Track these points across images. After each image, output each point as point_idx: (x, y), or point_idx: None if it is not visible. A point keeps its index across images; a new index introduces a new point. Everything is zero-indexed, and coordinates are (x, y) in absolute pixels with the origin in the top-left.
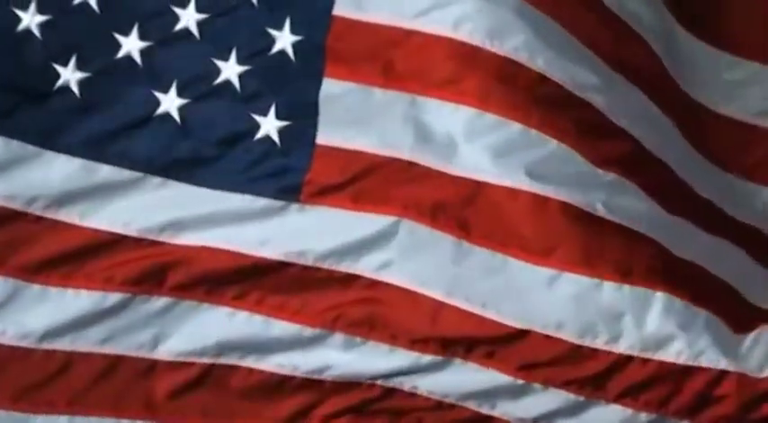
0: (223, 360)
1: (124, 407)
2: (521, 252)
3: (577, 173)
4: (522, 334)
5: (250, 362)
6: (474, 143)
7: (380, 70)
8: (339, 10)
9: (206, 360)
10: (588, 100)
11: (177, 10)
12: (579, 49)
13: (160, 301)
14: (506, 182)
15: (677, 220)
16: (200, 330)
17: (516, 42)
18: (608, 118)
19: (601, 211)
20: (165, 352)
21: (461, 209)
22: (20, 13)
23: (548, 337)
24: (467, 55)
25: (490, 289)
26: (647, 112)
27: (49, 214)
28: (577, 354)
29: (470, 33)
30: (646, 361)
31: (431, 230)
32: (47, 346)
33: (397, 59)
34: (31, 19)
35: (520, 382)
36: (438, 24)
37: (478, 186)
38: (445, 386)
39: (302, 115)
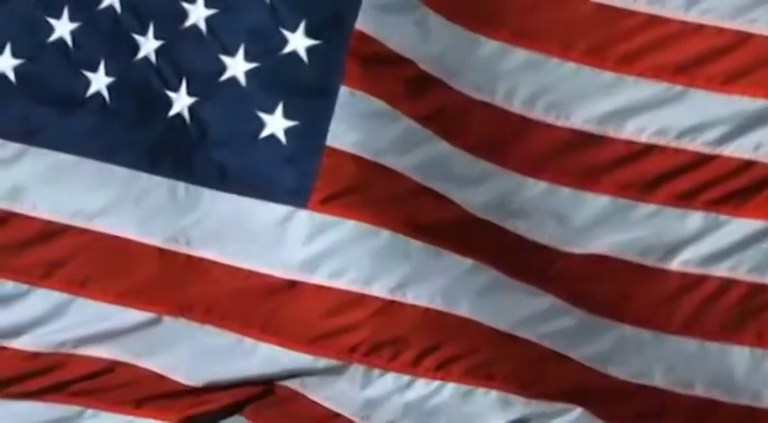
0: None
1: (146, 407)
2: None
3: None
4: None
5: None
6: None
7: (395, 89)
8: (361, 25)
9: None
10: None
11: (186, 5)
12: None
13: (183, 324)
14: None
15: None
16: (219, 362)
17: None
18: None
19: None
20: (185, 379)
21: None
22: (53, 22)
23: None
24: None
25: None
26: None
27: (94, 226)
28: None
29: None
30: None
31: (437, 249)
32: (81, 351)
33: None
34: (64, 28)
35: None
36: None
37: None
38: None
39: (314, 118)
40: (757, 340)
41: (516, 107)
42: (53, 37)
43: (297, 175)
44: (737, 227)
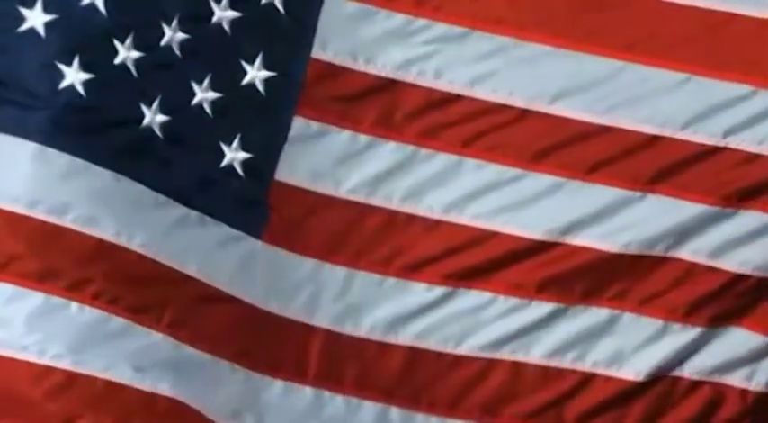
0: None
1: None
2: None
3: None
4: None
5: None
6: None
7: (358, 115)
8: (317, 53)
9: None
10: None
11: (164, 26)
12: None
13: (158, 337)
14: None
15: None
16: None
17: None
18: None
19: None
20: (164, 389)
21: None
22: (25, 11)
23: (514, 363)
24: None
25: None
26: None
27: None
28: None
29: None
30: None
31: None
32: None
33: (374, 107)
34: (36, 18)
35: None
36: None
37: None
38: None
39: (266, 150)
40: None
41: (519, 101)
42: (24, 27)
43: (253, 208)
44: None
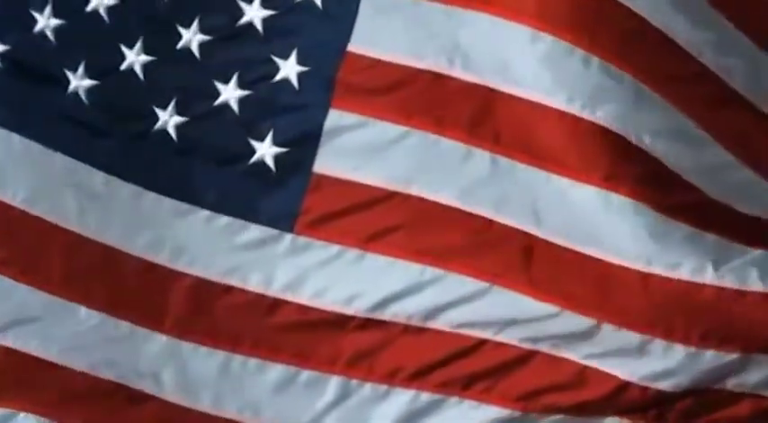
0: (215, 412)
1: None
2: None
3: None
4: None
5: (248, 417)
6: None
7: (393, 106)
8: (354, 46)
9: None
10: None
11: (181, 29)
12: None
13: (163, 338)
14: None
15: None
16: (194, 378)
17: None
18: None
19: None
20: (168, 390)
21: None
22: (36, 15)
23: (554, 358)
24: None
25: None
26: None
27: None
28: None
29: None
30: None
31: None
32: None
33: (412, 97)
34: (46, 22)
35: (518, 413)
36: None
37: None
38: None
39: (302, 143)
40: None
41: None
42: (36, 29)
43: (285, 202)
44: None
